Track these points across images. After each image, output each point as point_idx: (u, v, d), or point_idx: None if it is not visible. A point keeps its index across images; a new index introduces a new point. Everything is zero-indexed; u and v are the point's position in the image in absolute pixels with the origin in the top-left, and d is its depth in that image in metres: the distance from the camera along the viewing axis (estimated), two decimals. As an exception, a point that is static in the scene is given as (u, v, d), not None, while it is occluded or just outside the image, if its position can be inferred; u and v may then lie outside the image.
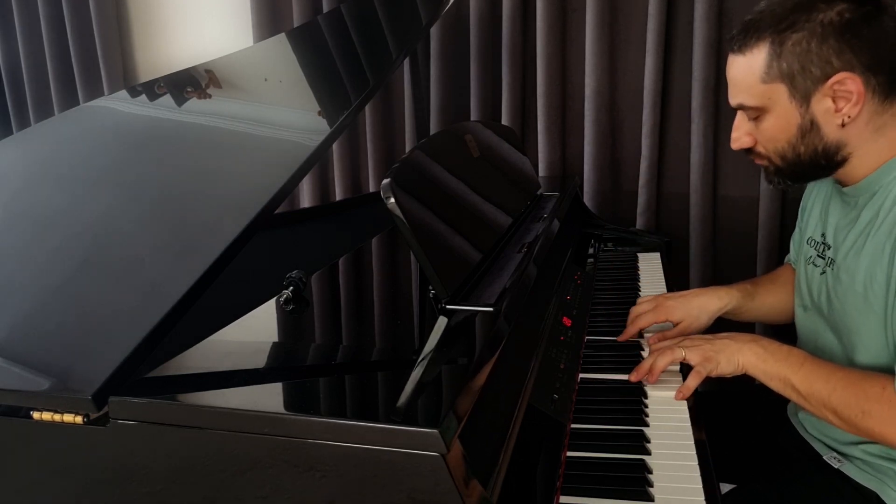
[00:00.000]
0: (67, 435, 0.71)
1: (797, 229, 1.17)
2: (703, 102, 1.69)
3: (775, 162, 0.95)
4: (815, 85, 0.87)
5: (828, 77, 0.86)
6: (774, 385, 0.91)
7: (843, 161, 0.92)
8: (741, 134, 0.96)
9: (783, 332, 1.70)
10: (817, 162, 0.92)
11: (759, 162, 0.98)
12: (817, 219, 1.05)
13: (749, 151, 0.98)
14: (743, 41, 0.92)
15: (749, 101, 0.92)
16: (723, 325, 1.13)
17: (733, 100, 0.95)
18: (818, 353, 1.00)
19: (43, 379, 0.77)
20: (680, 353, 0.95)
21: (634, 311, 1.14)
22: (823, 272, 1.00)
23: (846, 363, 0.94)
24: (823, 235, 1.02)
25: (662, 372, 0.97)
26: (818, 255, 1.02)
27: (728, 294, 1.14)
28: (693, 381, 0.94)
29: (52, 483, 0.74)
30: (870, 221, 0.91)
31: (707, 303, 1.12)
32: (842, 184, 0.97)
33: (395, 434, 0.59)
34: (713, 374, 0.93)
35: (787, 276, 1.20)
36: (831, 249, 0.99)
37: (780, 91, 0.89)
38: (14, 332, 0.86)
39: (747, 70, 0.91)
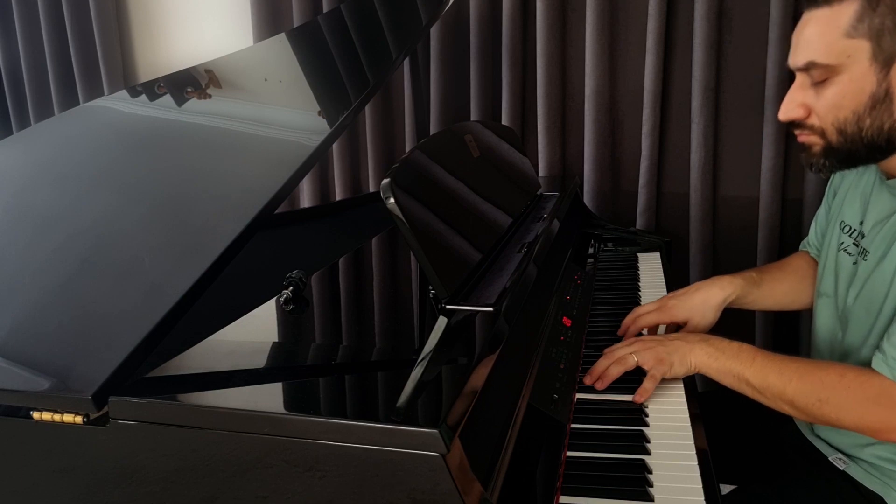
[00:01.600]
0: (67, 435, 0.71)
1: (823, 210, 1.13)
2: (703, 102, 1.69)
3: (829, 137, 0.87)
4: None
5: None
6: (728, 382, 0.91)
7: None
8: (795, 104, 0.89)
9: (788, 323, 1.72)
10: (877, 143, 0.85)
11: (806, 138, 0.91)
12: (856, 205, 1.01)
13: (796, 126, 0.91)
14: None
15: (822, 58, 0.84)
16: (729, 315, 1.13)
17: (801, 58, 0.86)
18: (835, 346, 1.00)
19: (43, 379, 0.77)
20: (632, 360, 0.95)
21: (638, 312, 1.12)
22: (856, 262, 0.97)
23: (860, 360, 0.94)
24: (861, 223, 0.98)
25: (613, 380, 0.96)
26: (853, 244, 0.99)
27: (731, 283, 1.12)
28: (650, 384, 0.94)
29: (52, 483, 0.74)
30: None
31: (709, 296, 1.11)
32: (887, 175, 0.93)
33: (395, 434, 0.59)
34: (668, 376, 0.94)
35: (798, 263, 1.18)
36: (865, 239, 0.96)
37: (863, 50, 0.82)
38: (14, 333, 0.86)
39: (829, 22, 0.83)
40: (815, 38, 0.85)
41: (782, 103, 0.91)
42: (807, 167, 0.93)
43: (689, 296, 1.11)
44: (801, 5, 0.91)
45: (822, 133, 0.88)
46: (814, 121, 0.88)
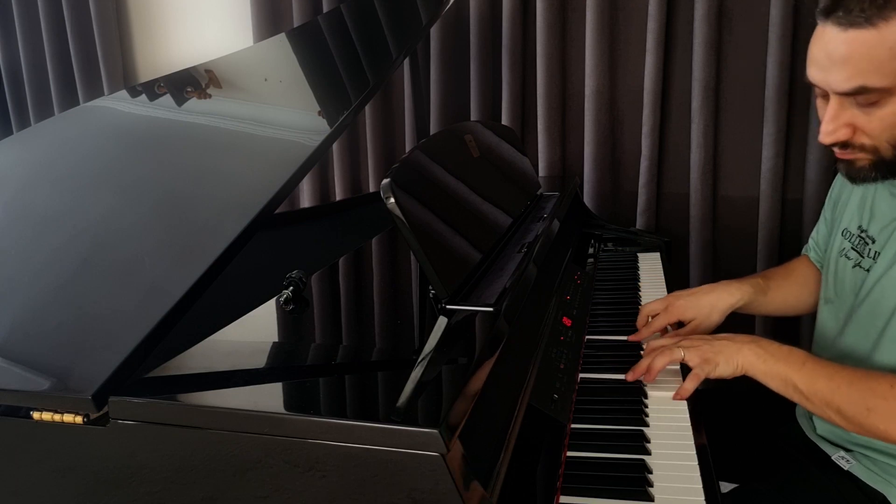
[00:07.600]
0: (67, 435, 0.71)
1: (822, 221, 1.15)
2: (703, 102, 1.69)
3: (884, 154, 0.85)
4: None
5: None
6: (775, 385, 0.90)
7: None
8: (839, 125, 0.84)
9: (787, 328, 1.72)
10: None
11: (851, 156, 0.87)
12: (856, 210, 1.02)
13: (839, 146, 0.88)
14: (870, 11, 0.78)
15: (877, 82, 0.79)
16: (734, 318, 1.13)
17: (845, 82, 0.81)
18: (838, 351, 1.00)
19: (43, 379, 0.77)
20: (679, 354, 0.95)
21: (646, 311, 1.13)
22: (856, 265, 0.98)
23: (864, 362, 0.93)
24: (861, 228, 0.99)
25: (660, 372, 0.96)
26: (852, 248, 1.00)
27: (739, 290, 1.12)
28: (691, 384, 0.94)
29: (52, 483, 0.74)
30: None
31: (718, 300, 1.11)
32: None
33: (395, 434, 0.59)
34: (712, 376, 0.93)
35: (802, 269, 1.19)
36: (876, 243, 0.96)
37: None
38: (14, 333, 0.86)
39: (878, 45, 0.78)
40: (861, 59, 0.80)
41: (822, 126, 0.86)
42: (847, 178, 0.91)
43: (697, 297, 1.11)
44: (818, 17, 0.84)
45: (874, 150, 0.85)
46: (863, 140, 0.85)
